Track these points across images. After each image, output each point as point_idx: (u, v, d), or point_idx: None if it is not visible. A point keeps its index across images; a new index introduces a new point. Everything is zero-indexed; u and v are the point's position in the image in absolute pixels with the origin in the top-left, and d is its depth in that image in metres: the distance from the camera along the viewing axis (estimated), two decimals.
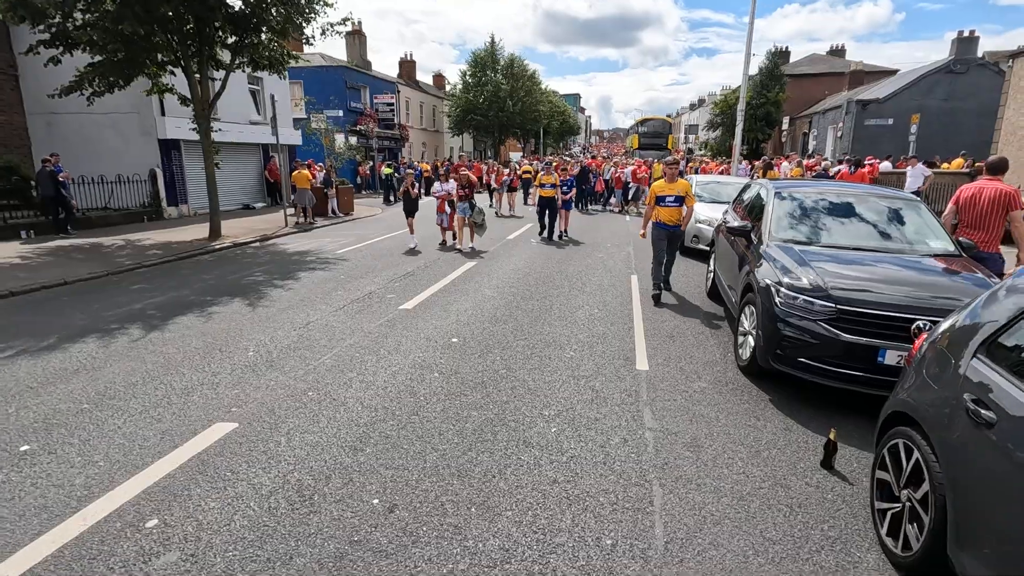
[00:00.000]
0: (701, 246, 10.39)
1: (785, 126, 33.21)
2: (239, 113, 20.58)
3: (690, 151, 51.97)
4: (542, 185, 12.55)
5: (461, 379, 4.69)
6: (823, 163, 16.00)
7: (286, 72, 15.04)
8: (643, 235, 7.94)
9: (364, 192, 29.32)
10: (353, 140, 29.64)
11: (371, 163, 29.60)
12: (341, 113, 29.23)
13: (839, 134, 19.54)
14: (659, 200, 7.32)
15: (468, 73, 40.53)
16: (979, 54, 26.81)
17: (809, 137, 35.20)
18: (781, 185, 6.01)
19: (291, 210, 17.53)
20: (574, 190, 14.25)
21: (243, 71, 14.39)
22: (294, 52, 15.03)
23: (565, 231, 13.00)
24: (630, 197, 18.78)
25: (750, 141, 41.50)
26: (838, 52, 48.75)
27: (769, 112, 39.77)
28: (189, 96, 12.84)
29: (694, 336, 5.92)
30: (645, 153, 36.54)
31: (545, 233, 12.69)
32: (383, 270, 9.27)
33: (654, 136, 37.23)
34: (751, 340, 4.77)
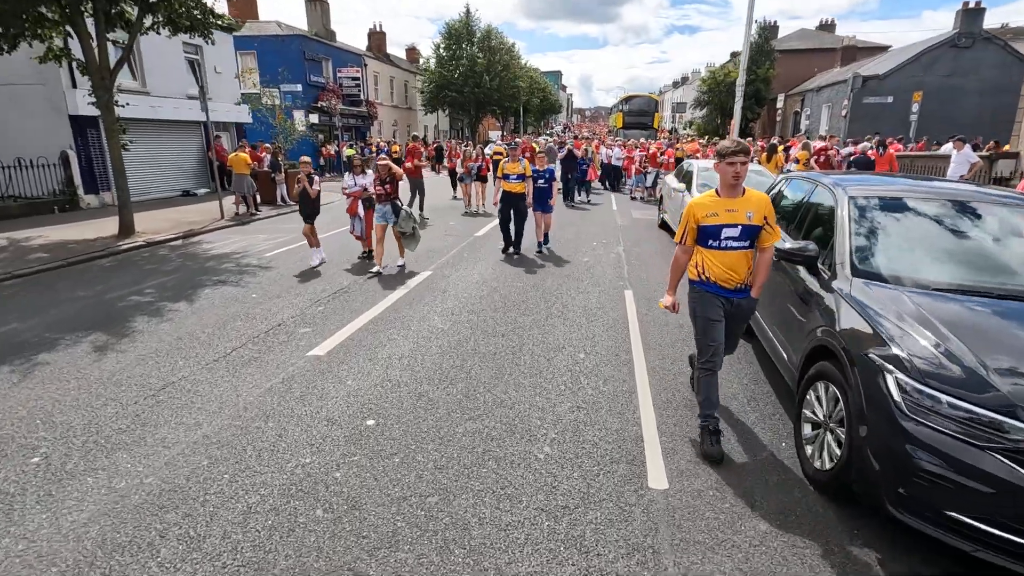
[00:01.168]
0: None
1: (780, 103, 31.52)
2: (175, 86, 18.07)
3: (673, 130, 50.04)
4: (506, 177, 8.84)
5: (359, 521, 2.80)
6: (862, 144, 13.75)
7: (212, 37, 12.66)
8: (672, 306, 3.84)
9: (328, 175, 26.93)
10: (314, 118, 27.16)
11: (335, 144, 27.13)
12: (300, 88, 26.68)
13: (844, 112, 17.79)
14: (710, 235, 3.44)
15: (442, 46, 37.87)
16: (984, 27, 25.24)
17: (801, 116, 33.54)
18: (849, 182, 4.16)
19: (233, 198, 15.27)
20: (555, 183, 9.87)
21: (159, 33, 12.01)
22: (228, 15, 12.64)
23: (545, 240, 9.37)
24: (648, 184, 16.89)
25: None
26: (828, 27, 47.01)
27: (759, 89, 37.93)
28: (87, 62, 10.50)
29: (734, 403, 4.11)
30: (630, 132, 34.58)
31: (512, 248, 9.13)
32: (310, 284, 7.28)
33: (639, 114, 35.22)
34: (831, 442, 2.96)
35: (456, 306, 6.35)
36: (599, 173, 18.64)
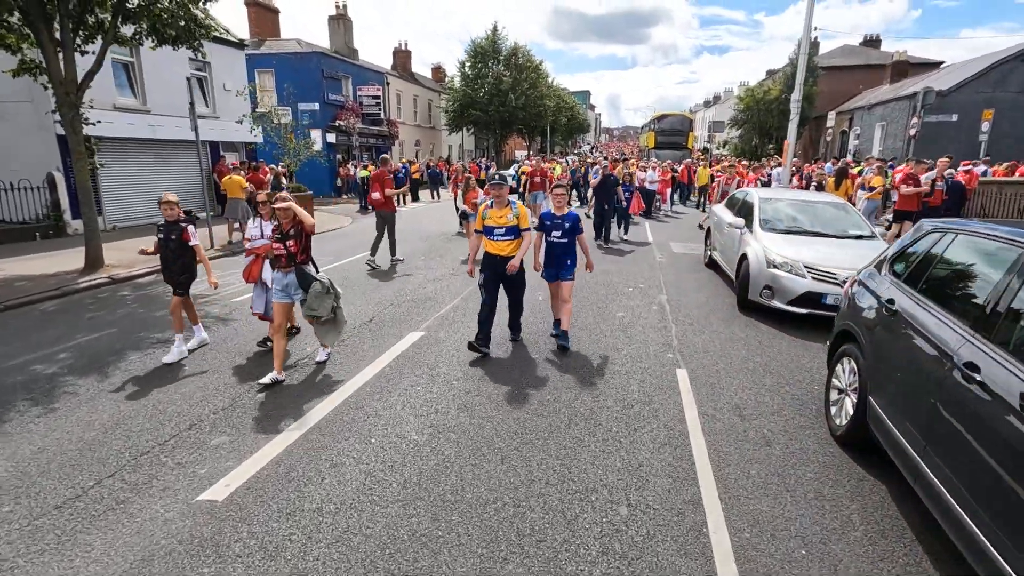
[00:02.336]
0: (777, 303, 6.67)
1: (831, 122, 29.17)
2: (178, 104, 17.03)
3: (705, 150, 47.87)
4: (488, 232, 5.45)
5: None
6: (948, 171, 10.90)
7: (203, 50, 11.42)
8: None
9: (346, 196, 25.77)
10: (331, 137, 26.14)
11: (362, 164, 25.89)
12: (317, 107, 25.73)
13: (913, 131, 15.67)
14: None
15: (467, 64, 36.83)
16: None
17: (850, 135, 31.18)
18: None
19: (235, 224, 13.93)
20: (580, 233, 5.74)
21: (143, 44, 10.81)
22: (216, 25, 11.40)
23: (559, 332, 5.82)
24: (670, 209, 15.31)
25: (778, 140, 37.55)
26: (873, 43, 44.60)
27: (802, 108, 35.74)
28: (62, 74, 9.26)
29: None
30: (662, 153, 32.73)
31: (484, 344, 5.50)
32: (262, 358, 5.64)
33: (672, 134, 33.33)
34: None
35: (443, 397, 4.60)
36: (643, 206, 15.41)
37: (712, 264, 9.82)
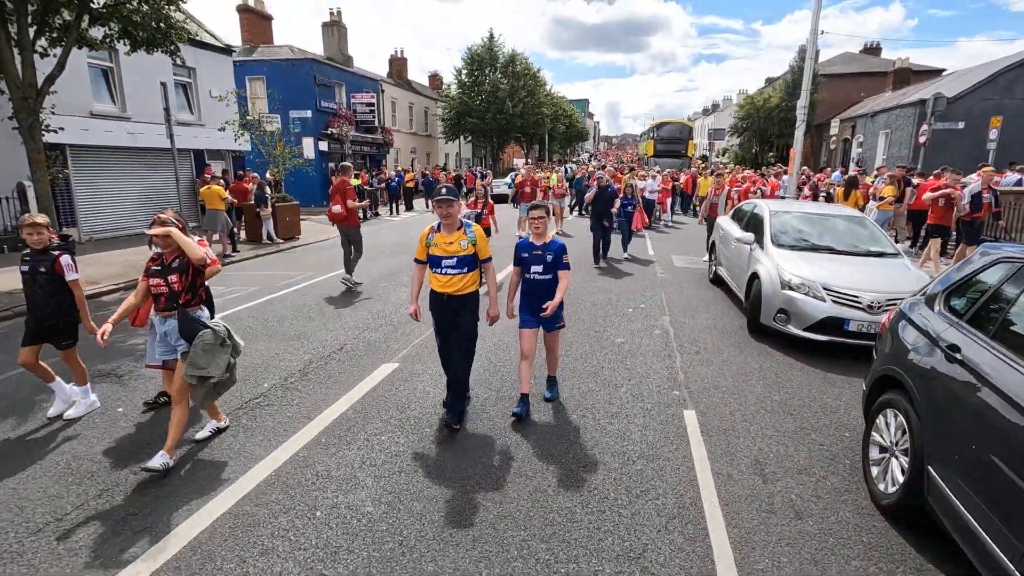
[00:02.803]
0: (793, 329, 6.00)
1: (834, 129, 28.58)
2: (159, 111, 16.41)
3: (704, 158, 47.23)
4: (433, 264, 4.16)
5: None
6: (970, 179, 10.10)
7: (180, 54, 10.80)
8: None
9: None
10: (323, 145, 25.56)
11: (356, 172, 25.27)
12: (309, 114, 25.15)
13: (923, 138, 15.07)
14: None
15: (464, 72, 36.37)
16: None
17: (852, 143, 30.66)
18: None
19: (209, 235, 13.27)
20: (565, 269, 4.56)
21: (115, 47, 10.20)
22: (186, 27, 10.76)
23: (551, 386, 4.87)
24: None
25: (779, 148, 37.05)
26: (873, 51, 44.30)
27: None
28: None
29: None
30: (661, 161, 32.18)
31: (449, 414, 4.32)
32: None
33: (672, 142, 32.81)
34: None
35: (410, 451, 3.92)
36: (646, 219, 13.65)
37: (718, 280, 9.15)
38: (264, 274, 10.61)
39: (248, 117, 17.49)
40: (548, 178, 16.96)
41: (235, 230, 13.75)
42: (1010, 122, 21.66)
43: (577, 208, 19.21)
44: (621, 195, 11.50)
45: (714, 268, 9.40)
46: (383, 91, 31.78)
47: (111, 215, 15.22)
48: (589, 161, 70.07)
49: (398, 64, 38.15)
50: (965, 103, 23.17)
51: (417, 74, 43.84)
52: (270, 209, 14.53)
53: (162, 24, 10.08)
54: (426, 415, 4.46)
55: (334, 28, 30.33)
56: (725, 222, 9.18)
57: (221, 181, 12.99)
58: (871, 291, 5.75)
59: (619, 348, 6.08)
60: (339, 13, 30.52)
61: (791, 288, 6.08)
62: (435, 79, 44.92)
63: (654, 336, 6.53)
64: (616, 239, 11.59)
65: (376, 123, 29.35)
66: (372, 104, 28.73)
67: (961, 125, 23.05)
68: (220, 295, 8.59)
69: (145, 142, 15.59)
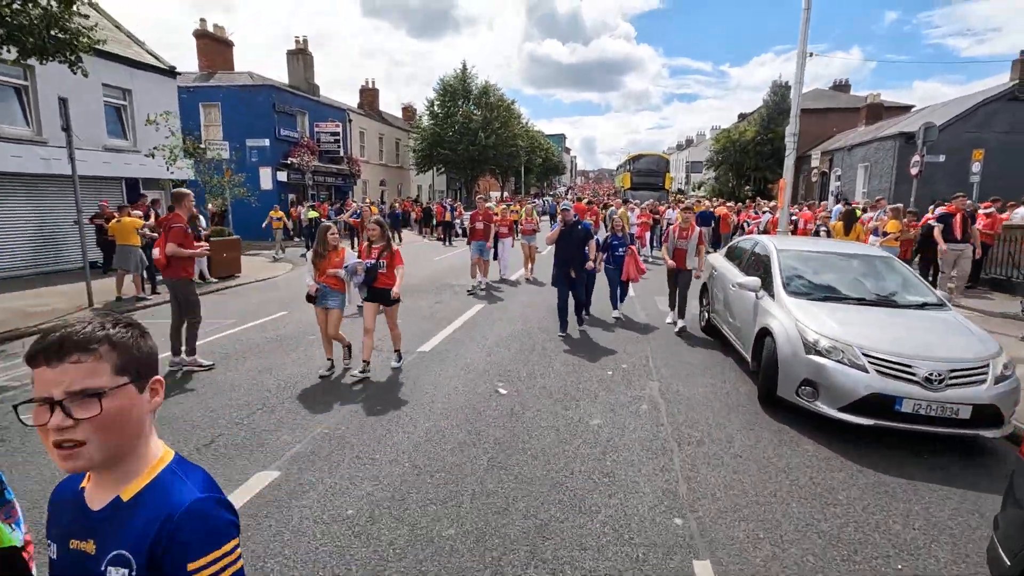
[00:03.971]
0: (825, 408, 4.52)
1: (815, 161, 27.99)
2: (87, 135, 14.75)
3: (680, 191, 46.89)
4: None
5: None
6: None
7: (82, 66, 9.23)
8: None
9: (298, 240, 23.35)
10: (282, 175, 24.00)
11: (309, 204, 23.60)
12: (267, 142, 23.65)
13: (915, 170, 14.19)
14: None
15: (436, 103, 35.45)
16: None
17: (831, 176, 30.27)
18: None
19: (125, 276, 11.41)
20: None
21: None
22: (92, 36, 9.22)
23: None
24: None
25: (756, 181, 36.73)
26: (842, 88, 45.01)
27: (779, 149, 35.04)
28: None
29: None
30: (638, 194, 31.35)
31: None
32: None
33: (648, 174, 32.06)
34: None
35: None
36: (644, 266, 9.10)
37: (712, 330, 7.72)
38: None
39: (187, 142, 15.85)
40: (516, 211, 15.51)
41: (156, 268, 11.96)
42: (991, 156, 21.25)
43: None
44: (610, 233, 9.06)
45: (707, 315, 7.97)
46: (351, 121, 30.53)
47: (13, 252, 13.32)
48: (566, 194, 69.69)
49: (369, 95, 37.13)
50: (946, 136, 22.75)
51: (393, 108, 43.09)
52: (204, 243, 12.75)
53: (55, 32, 8.54)
54: (318, 538, 2.80)
55: (300, 56, 29.16)
56: (719, 262, 7.80)
57: (137, 213, 11.23)
58: (927, 358, 4.32)
59: (595, 436, 4.51)
60: (305, 42, 29.44)
61: (818, 352, 4.62)
62: (408, 111, 44.06)
63: (641, 414, 4.98)
64: (601, 295, 8.95)
65: (342, 153, 27.97)
66: (337, 133, 27.38)
67: (942, 158, 22.67)
68: None
69: (62, 168, 13.77)
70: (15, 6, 8.17)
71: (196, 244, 12.48)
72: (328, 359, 6.10)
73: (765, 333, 5.28)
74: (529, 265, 12.77)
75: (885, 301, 5.34)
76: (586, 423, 4.75)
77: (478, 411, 4.98)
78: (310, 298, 5.87)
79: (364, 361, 5.85)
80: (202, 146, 18.28)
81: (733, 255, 7.61)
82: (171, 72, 17.52)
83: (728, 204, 22.86)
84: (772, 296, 5.59)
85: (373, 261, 5.79)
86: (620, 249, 8.55)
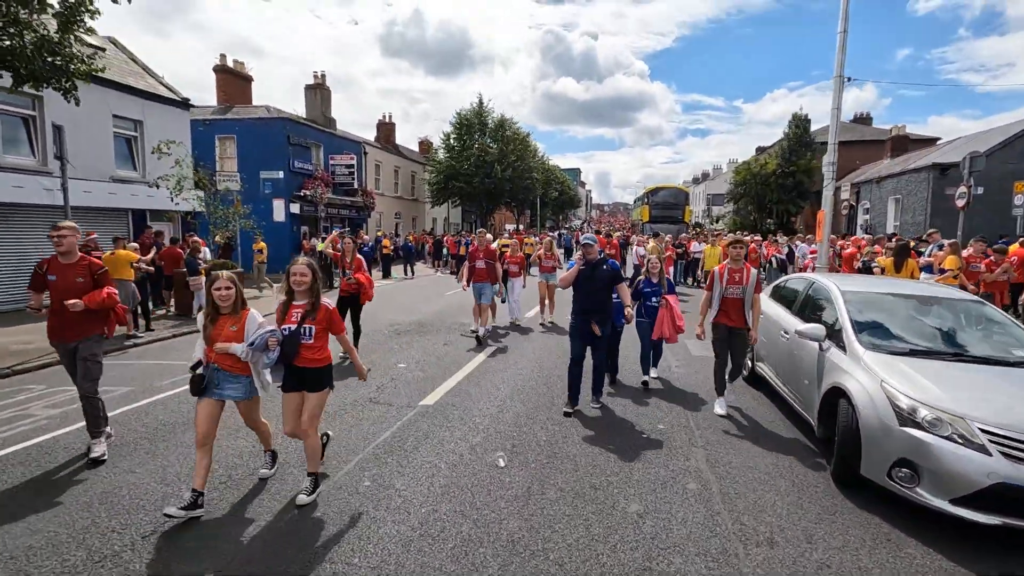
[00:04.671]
0: (930, 498, 3.52)
1: (845, 193, 26.88)
2: (94, 166, 14.46)
3: (698, 225, 45.93)
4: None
5: None
6: None
7: (75, 94, 8.80)
8: None
9: None
10: (295, 207, 23.69)
11: (322, 236, 23.11)
12: (281, 175, 23.44)
13: (962, 202, 13.24)
14: None
15: (452, 136, 35.39)
16: None
17: (858, 209, 29.23)
18: None
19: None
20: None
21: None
22: (94, 63, 8.82)
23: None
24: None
25: (779, 214, 35.73)
26: (863, 120, 44.36)
27: (801, 182, 34.16)
28: None
29: None
30: (657, 227, 30.57)
31: None
32: None
33: (668, 207, 31.22)
34: None
35: None
36: (682, 323, 6.72)
37: (757, 379, 6.74)
38: (162, 364, 8.10)
39: (197, 173, 15.49)
40: (534, 244, 14.70)
41: (150, 303, 11.37)
42: None
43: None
44: (643, 278, 6.94)
45: (748, 363, 6.99)
46: (366, 153, 30.46)
47: (13, 285, 12.84)
48: (582, 228, 69.10)
49: (386, 128, 37.32)
50: (986, 167, 21.83)
51: (410, 143, 43.61)
52: (203, 277, 12.15)
53: (50, 57, 8.12)
54: None
55: (317, 91, 29.35)
56: (765, 304, 6.86)
57: (133, 245, 10.68)
58: None
59: (636, 530, 3.55)
60: (323, 76, 29.68)
61: (917, 424, 3.65)
62: (424, 144, 44.22)
63: (689, 495, 4.01)
64: (629, 353, 7.41)
65: (356, 185, 27.73)
66: (352, 166, 27.19)
67: (980, 191, 21.61)
68: (70, 407, 6.00)
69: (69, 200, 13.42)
70: (10, 31, 7.77)
71: (192, 280, 11.88)
72: (268, 451, 4.33)
73: (838, 394, 4.33)
74: (547, 307, 11.06)
75: (992, 358, 4.35)
76: (622, 510, 3.80)
77: (487, 490, 4.05)
78: (195, 386, 3.71)
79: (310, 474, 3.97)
80: (215, 177, 18.02)
81: (781, 296, 6.69)
82: (184, 104, 17.36)
83: (755, 238, 21.86)
84: (842, 348, 4.64)
85: (292, 328, 3.79)
86: (654, 298, 6.73)
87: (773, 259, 16.06)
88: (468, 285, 9.64)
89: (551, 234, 22.72)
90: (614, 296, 5.84)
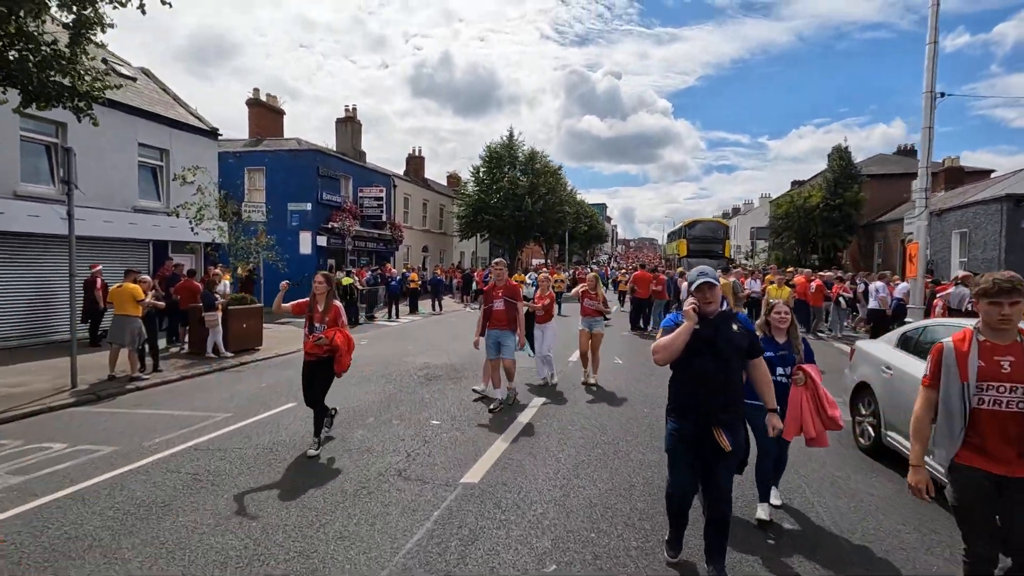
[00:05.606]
0: None
1: (909, 228, 24.88)
2: (116, 195, 13.92)
3: (731, 261, 44.11)
4: None
5: None
6: None
7: (91, 114, 8.10)
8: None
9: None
10: (322, 240, 23.07)
11: (348, 269, 22.33)
12: (309, 207, 22.91)
13: None
14: None
15: (482, 169, 34.87)
16: None
17: None
18: None
19: (124, 351, 9.78)
20: None
21: None
22: (106, 81, 8.12)
23: None
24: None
25: (825, 249, 33.89)
26: (908, 152, 42.53)
27: (848, 215, 32.40)
28: None
29: None
30: (695, 261, 29.16)
31: None
32: None
33: (706, 241, 29.89)
34: None
35: None
36: (837, 412, 4.00)
37: (882, 451, 5.29)
38: (158, 414, 7.02)
39: (221, 203, 14.82)
40: (562, 281, 13.41)
41: (164, 340, 10.43)
42: None
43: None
44: (761, 335, 4.03)
45: (869, 430, 5.55)
46: (395, 186, 30.02)
47: (27, 318, 12.14)
48: (609, 263, 67.65)
49: (415, 162, 37.10)
50: None
51: (439, 179, 43.42)
52: (219, 313, 11.22)
53: (57, 77, 7.42)
54: None
55: (348, 124, 29.22)
56: (893, 356, 5.46)
57: (145, 278, 9.80)
58: None
59: None
60: (354, 110, 29.60)
61: None
62: (453, 178, 43.96)
63: None
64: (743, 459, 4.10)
65: (384, 218, 27.13)
66: (381, 198, 26.65)
67: None
68: (64, 461, 4.85)
69: (85, 230, 12.74)
70: (17, 45, 7.10)
71: (208, 316, 10.94)
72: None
73: None
74: (591, 363, 8.57)
75: None
76: None
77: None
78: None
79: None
80: (243, 207, 17.43)
81: (916, 349, 5.28)
82: (212, 133, 16.94)
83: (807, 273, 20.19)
84: None
85: None
86: (780, 369, 4.00)
87: (841, 298, 14.47)
88: (481, 336, 7.23)
89: (594, 267, 21.41)
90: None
